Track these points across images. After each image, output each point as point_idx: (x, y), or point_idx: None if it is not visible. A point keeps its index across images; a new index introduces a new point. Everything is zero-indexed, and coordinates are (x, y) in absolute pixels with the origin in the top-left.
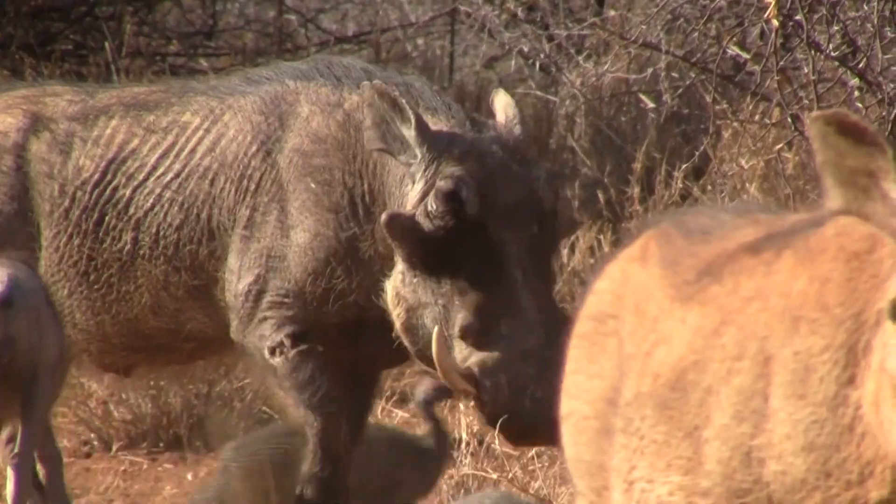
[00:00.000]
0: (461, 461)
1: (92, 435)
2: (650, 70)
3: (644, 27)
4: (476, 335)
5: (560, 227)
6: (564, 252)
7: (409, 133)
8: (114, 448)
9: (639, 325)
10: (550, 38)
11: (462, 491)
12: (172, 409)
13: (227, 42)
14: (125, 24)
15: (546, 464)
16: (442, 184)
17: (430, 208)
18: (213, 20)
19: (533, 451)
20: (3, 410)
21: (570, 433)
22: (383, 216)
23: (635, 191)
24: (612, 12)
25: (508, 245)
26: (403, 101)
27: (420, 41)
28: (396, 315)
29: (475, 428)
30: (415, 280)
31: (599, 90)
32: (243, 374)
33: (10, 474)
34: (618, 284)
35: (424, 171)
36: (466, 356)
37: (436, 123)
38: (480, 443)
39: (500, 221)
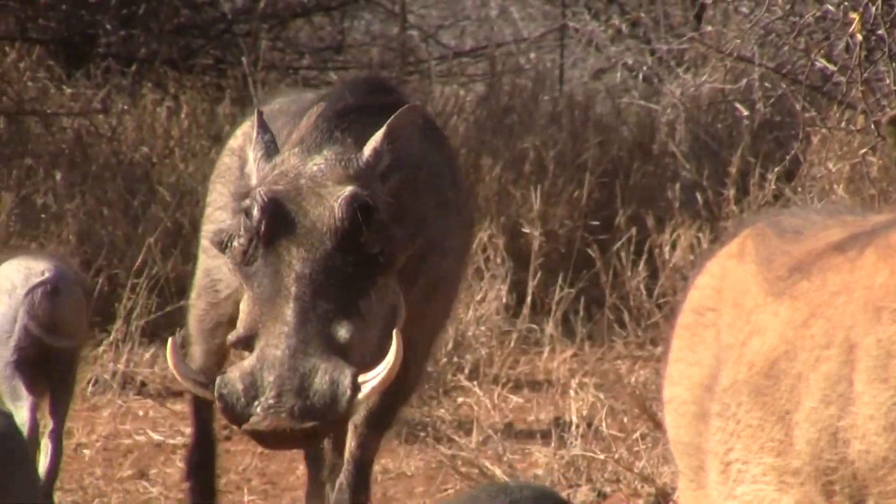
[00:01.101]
0: (571, 443)
1: None
2: (744, 81)
3: (739, 41)
4: (244, 347)
5: (386, 243)
6: (666, 249)
7: (250, 155)
8: None
9: (735, 318)
10: (652, 52)
11: (572, 470)
12: None
13: (355, 56)
14: (260, 39)
15: (650, 445)
16: (243, 203)
17: (239, 226)
18: (342, 36)
19: (638, 433)
20: (42, 390)
21: (671, 417)
22: (209, 235)
23: (731, 192)
24: (709, 28)
25: (294, 260)
26: (258, 129)
27: (532, 55)
28: (239, 325)
29: (584, 412)
30: (244, 294)
31: (698, 100)
32: None
33: (44, 446)
34: (717, 280)
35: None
36: None
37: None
38: (589, 425)
39: (289, 237)
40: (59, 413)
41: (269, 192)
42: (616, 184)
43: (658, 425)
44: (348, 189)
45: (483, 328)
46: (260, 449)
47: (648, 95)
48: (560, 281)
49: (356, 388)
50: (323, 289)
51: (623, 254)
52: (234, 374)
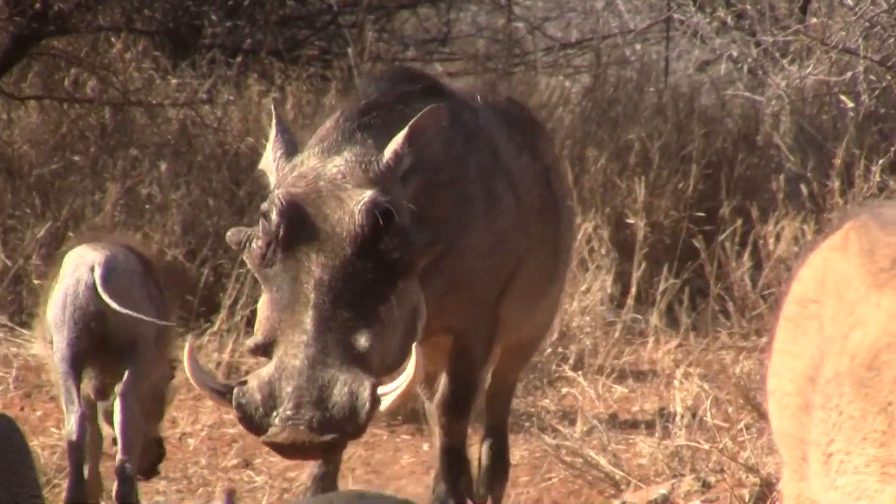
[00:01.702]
0: (675, 433)
1: None
2: (849, 73)
3: (844, 34)
4: (263, 353)
5: (406, 249)
6: (771, 241)
7: (270, 154)
8: None
9: (838, 310)
10: (757, 44)
11: (676, 460)
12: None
13: (461, 48)
14: (366, 31)
15: (755, 435)
16: (263, 206)
17: (259, 228)
18: (448, 28)
19: (742, 423)
20: (108, 378)
21: (775, 408)
22: (228, 233)
23: (836, 184)
24: (815, 20)
25: (313, 265)
26: (277, 127)
27: (638, 46)
28: (256, 327)
29: (689, 402)
30: (262, 297)
31: (802, 91)
32: None
33: (117, 432)
34: (820, 272)
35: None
36: None
37: (320, 135)
38: (693, 415)
39: (309, 241)
40: (129, 384)
41: (288, 195)
42: (721, 175)
43: (762, 415)
44: (368, 194)
45: (588, 319)
46: (364, 438)
47: (753, 87)
48: (665, 272)
49: (375, 400)
50: (342, 296)
51: (728, 245)
52: (253, 384)
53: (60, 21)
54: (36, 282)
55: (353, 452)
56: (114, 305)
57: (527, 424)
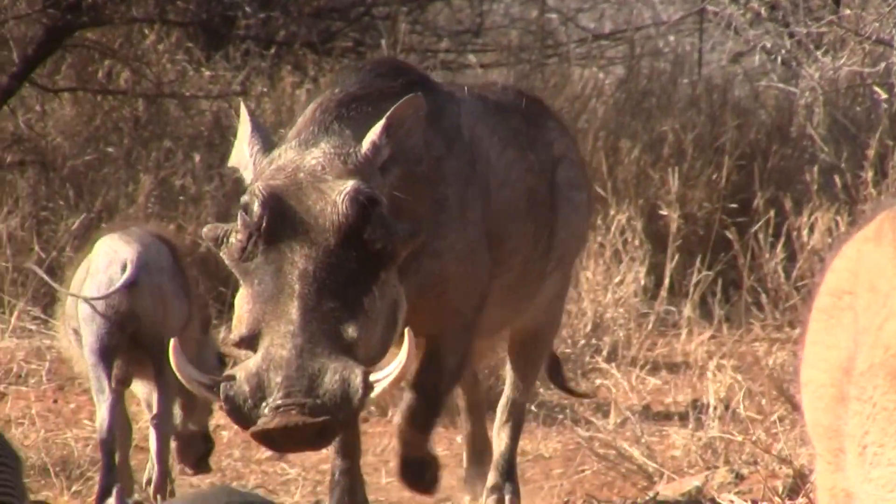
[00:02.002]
0: (709, 424)
1: None
2: (883, 64)
3: (877, 25)
4: (248, 346)
5: (388, 239)
6: (804, 232)
7: (246, 150)
8: (389, 413)
9: (872, 301)
10: (791, 35)
11: (709, 452)
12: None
13: (494, 39)
14: (399, 23)
15: (788, 427)
16: (242, 199)
17: (237, 222)
18: (481, 19)
19: (776, 415)
20: (138, 374)
21: (809, 399)
22: (204, 229)
23: (869, 175)
24: (848, 11)
25: (297, 257)
26: (250, 121)
27: (671, 38)
28: (234, 323)
29: (722, 394)
30: (240, 290)
31: (836, 83)
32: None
33: (151, 434)
34: (853, 263)
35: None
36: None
37: (277, 141)
38: (726, 407)
39: (291, 233)
40: (161, 399)
41: (269, 187)
42: (754, 167)
43: (795, 407)
44: (350, 183)
45: (621, 310)
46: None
47: (787, 79)
48: (698, 263)
49: (367, 386)
50: (327, 286)
51: (761, 236)
52: (240, 376)
53: (94, 13)
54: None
55: (386, 444)
56: (146, 307)
57: (560, 416)
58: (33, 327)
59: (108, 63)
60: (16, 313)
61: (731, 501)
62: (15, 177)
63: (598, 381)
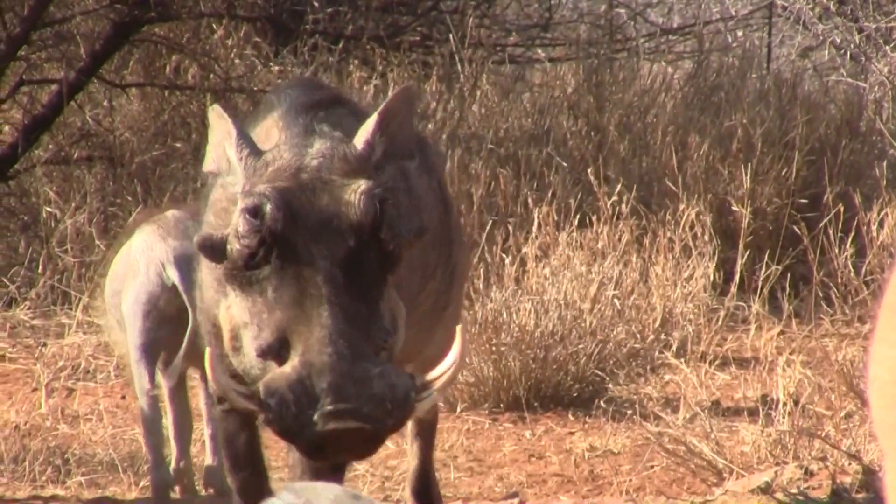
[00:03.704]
0: (778, 420)
1: None
2: None
3: None
4: (275, 354)
5: (398, 239)
6: (874, 227)
7: (232, 154)
8: (458, 409)
9: None
10: (860, 30)
11: (779, 448)
12: (512, 373)
13: (562, 34)
14: (468, 17)
15: (857, 422)
16: (246, 202)
17: (238, 228)
18: (549, 13)
19: (845, 411)
20: (173, 355)
21: (875, 397)
22: (195, 239)
23: None
24: None
25: (317, 259)
26: (231, 122)
27: (739, 33)
28: (225, 336)
29: (792, 389)
30: (237, 300)
31: None
32: (577, 339)
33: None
34: None
35: (242, 191)
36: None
37: (270, 137)
38: (796, 403)
39: (308, 235)
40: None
41: (279, 188)
42: (824, 162)
43: (865, 403)
44: (363, 182)
45: (690, 305)
46: (466, 426)
47: (856, 73)
48: (767, 258)
49: (417, 389)
50: (352, 289)
51: (830, 231)
52: (281, 383)
53: (161, 8)
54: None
55: (455, 441)
56: (190, 306)
57: (629, 412)
58: (100, 323)
59: (175, 58)
60: (82, 308)
61: (801, 497)
62: (82, 172)
63: (667, 377)
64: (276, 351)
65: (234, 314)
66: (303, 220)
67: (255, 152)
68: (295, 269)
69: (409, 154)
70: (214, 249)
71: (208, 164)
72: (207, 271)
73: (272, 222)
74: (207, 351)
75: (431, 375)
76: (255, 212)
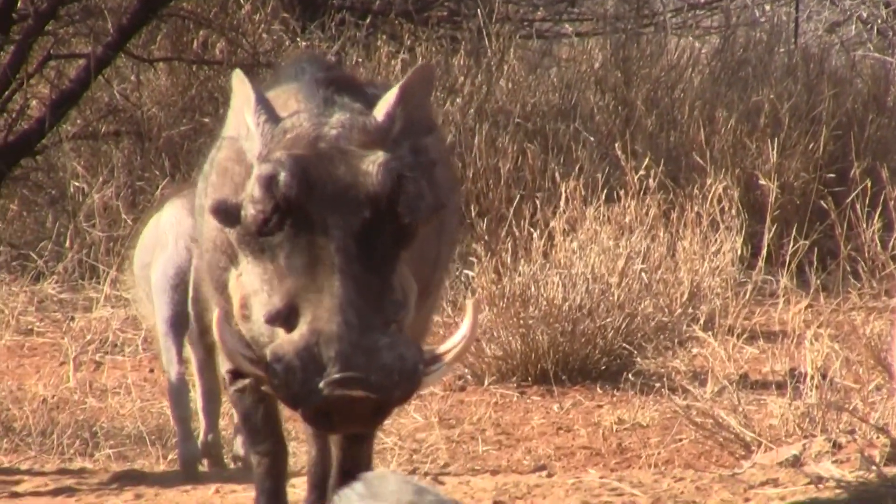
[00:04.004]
0: (806, 393)
1: (466, 370)
2: None
3: None
4: (283, 321)
5: (414, 214)
6: None
7: (250, 120)
8: (486, 382)
9: None
10: (887, 5)
11: (807, 421)
12: (540, 346)
13: (590, 9)
14: None
15: (885, 396)
16: (261, 169)
17: (253, 194)
18: None
19: (873, 384)
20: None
21: None
22: (209, 204)
23: None
24: None
25: (331, 229)
26: (251, 88)
27: (767, 7)
28: (234, 303)
29: (819, 363)
30: (248, 267)
31: None
32: (605, 313)
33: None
34: None
35: (258, 157)
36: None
37: (288, 108)
38: (823, 376)
39: (323, 204)
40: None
41: (295, 156)
42: (851, 136)
43: (892, 376)
44: (381, 154)
45: (718, 279)
46: (494, 400)
47: (883, 48)
48: (795, 233)
49: (425, 361)
50: (365, 260)
51: (858, 206)
52: (288, 350)
53: None
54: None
55: (483, 414)
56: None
57: (657, 385)
58: (128, 296)
59: (203, 33)
60: (109, 282)
61: (828, 470)
62: (110, 147)
63: (695, 351)
64: (285, 318)
65: (244, 282)
66: (319, 188)
67: (274, 118)
68: (308, 238)
69: (426, 130)
70: (228, 214)
71: (228, 129)
72: (215, 238)
73: (287, 189)
74: (215, 313)
75: (441, 349)
76: (270, 178)
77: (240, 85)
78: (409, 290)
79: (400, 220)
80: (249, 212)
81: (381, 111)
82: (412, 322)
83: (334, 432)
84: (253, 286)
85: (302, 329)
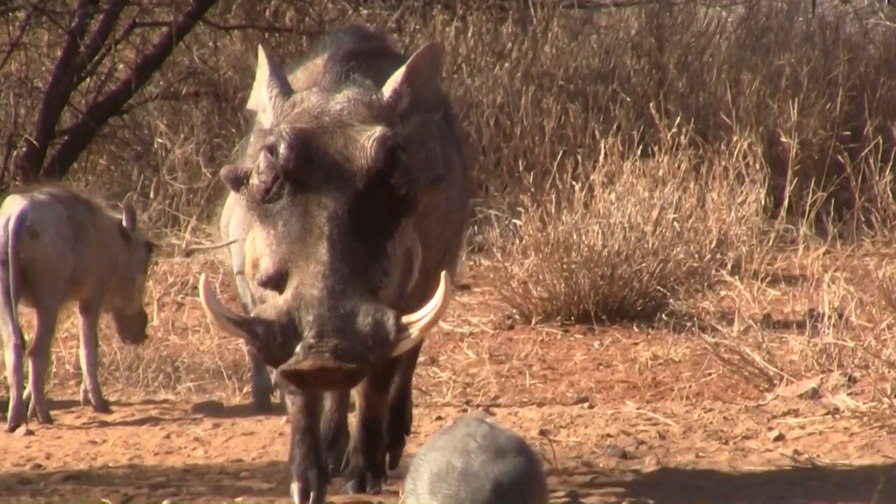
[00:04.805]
0: (824, 332)
1: (514, 310)
2: None
3: None
4: (274, 285)
5: (412, 186)
6: None
7: (264, 94)
8: (533, 321)
9: None
10: None
11: (824, 357)
12: (581, 289)
13: None
14: None
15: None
16: (266, 140)
17: (258, 164)
18: None
19: (885, 323)
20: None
21: None
22: (221, 170)
23: None
24: None
25: (325, 199)
26: (269, 66)
27: None
28: (247, 264)
29: (836, 304)
30: (257, 231)
31: None
32: (641, 259)
33: (30, 367)
34: None
35: (266, 129)
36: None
37: (314, 79)
38: (840, 316)
39: (319, 175)
40: (40, 334)
41: (296, 130)
42: (864, 97)
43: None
44: (379, 129)
45: (744, 228)
46: (540, 338)
47: (894, 17)
48: (813, 185)
49: (400, 329)
50: (355, 229)
51: (871, 160)
52: (270, 313)
53: None
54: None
55: (530, 351)
56: None
57: (688, 324)
58: (207, 243)
59: (274, 2)
60: (189, 229)
61: (844, 402)
62: (190, 107)
63: (723, 293)
64: (276, 282)
65: (255, 245)
66: (317, 160)
67: (285, 93)
68: (304, 207)
69: (434, 107)
70: (236, 181)
71: (250, 103)
72: (239, 200)
73: (284, 161)
74: (201, 278)
75: (414, 317)
76: (272, 150)
77: (261, 60)
78: (414, 255)
79: (395, 191)
80: (254, 181)
81: (388, 88)
82: (424, 282)
83: (307, 391)
84: (259, 249)
85: (286, 293)
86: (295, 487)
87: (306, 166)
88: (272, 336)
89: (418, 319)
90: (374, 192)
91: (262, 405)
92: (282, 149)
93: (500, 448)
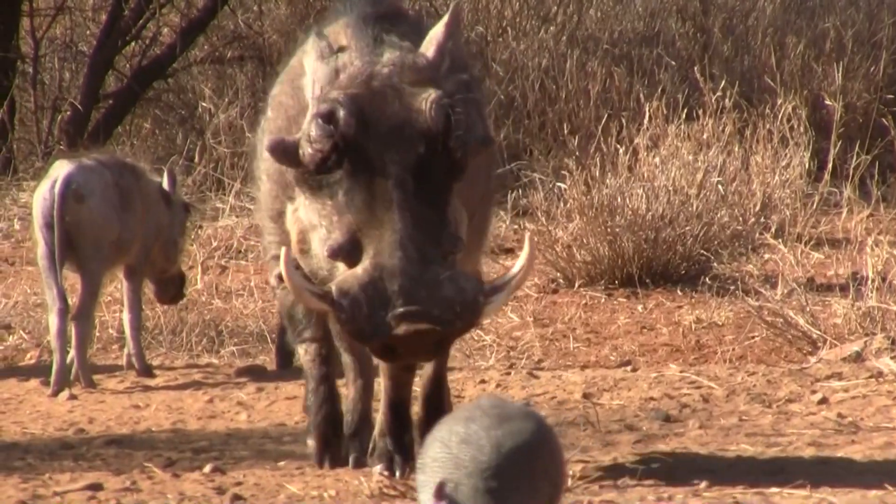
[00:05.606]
0: (867, 295)
1: (558, 274)
2: None
3: None
4: (346, 255)
5: (465, 148)
6: None
7: (306, 60)
8: (576, 285)
9: None
10: None
11: (868, 320)
12: (625, 252)
13: None
14: None
15: None
16: (320, 108)
17: (310, 133)
18: None
19: None
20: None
21: None
22: (266, 142)
23: None
24: None
25: (388, 165)
26: (316, 34)
27: None
28: (293, 237)
29: (879, 267)
30: (305, 203)
31: None
32: (685, 222)
33: (73, 331)
34: None
35: (313, 96)
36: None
37: (337, 43)
38: (883, 279)
39: (379, 142)
40: (84, 295)
41: (351, 96)
42: None
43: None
44: (433, 91)
45: (788, 191)
46: (584, 301)
47: None
48: (857, 148)
49: (485, 293)
50: (421, 194)
51: None
52: (353, 285)
53: None
54: None
55: (573, 314)
56: None
57: (732, 288)
58: (251, 206)
59: None
60: (233, 193)
61: (888, 365)
62: (235, 71)
63: (766, 256)
64: (347, 252)
65: (301, 217)
66: (374, 126)
67: (326, 59)
68: (366, 174)
69: (463, 68)
70: (287, 153)
71: (287, 68)
72: (267, 169)
73: (346, 128)
74: (283, 251)
75: (500, 281)
76: (328, 117)
77: (313, 39)
78: (461, 222)
79: (452, 154)
80: (307, 151)
81: (430, 48)
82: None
83: (400, 363)
84: (311, 221)
85: (365, 264)
86: (311, 442)
87: (365, 132)
88: (358, 307)
89: (505, 283)
90: (434, 156)
91: (284, 366)
92: (341, 115)
93: (505, 415)
